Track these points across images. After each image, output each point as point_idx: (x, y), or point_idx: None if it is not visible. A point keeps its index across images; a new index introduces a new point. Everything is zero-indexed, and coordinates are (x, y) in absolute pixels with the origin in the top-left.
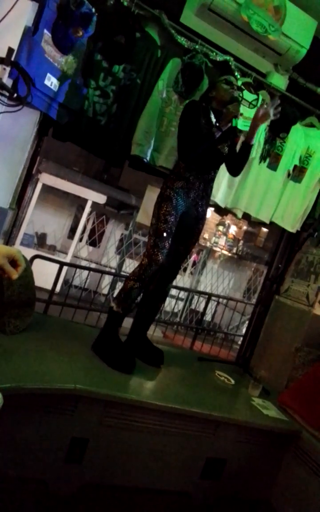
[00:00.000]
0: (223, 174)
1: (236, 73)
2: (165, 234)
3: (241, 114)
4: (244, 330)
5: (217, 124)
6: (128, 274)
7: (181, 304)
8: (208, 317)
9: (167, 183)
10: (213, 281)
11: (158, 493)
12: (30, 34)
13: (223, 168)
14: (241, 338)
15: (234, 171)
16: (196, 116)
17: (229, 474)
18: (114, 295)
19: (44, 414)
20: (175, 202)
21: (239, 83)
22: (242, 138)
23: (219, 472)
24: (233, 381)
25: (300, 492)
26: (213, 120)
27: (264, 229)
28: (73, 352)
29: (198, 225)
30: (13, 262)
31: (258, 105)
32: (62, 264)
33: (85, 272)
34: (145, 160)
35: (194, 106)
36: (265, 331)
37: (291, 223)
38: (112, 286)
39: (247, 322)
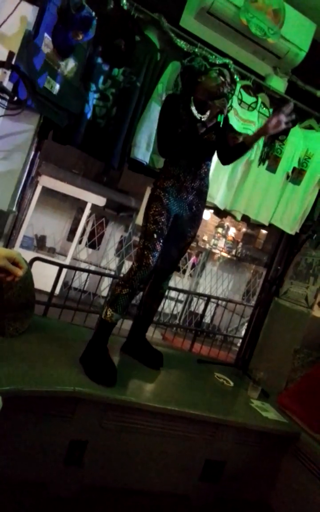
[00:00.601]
0: (222, 176)
1: (235, 76)
2: (155, 236)
3: (231, 107)
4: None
5: (202, 119)
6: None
7: (180, 306)
8: (207, 319)
9: (156, 183)
10: (212, 283)
11: (157, 496)
12: (31, 38)
13: (223, 169)
14: (240, 340)
15: (225, 161)
16: (175, 109)
17: (229, 476)
18: None
19: (44, 416)
20: (165, 201)
21: (238, 86)
22: (240, 140)
23: (219, 474)
24: (232, 383)
25: (299, 494)
26: (195, 112)
27: (263, 231)
28: (72, 354)
29: (193, 225)
30: (14, 265)
31: (258, 107)
32: (61, 266)
33: (85, 274)
34: (144, 163)
35: (173, 99)
36: (264, 333)
37: (290, 225)
38: (111, 288)
39: (246, 324)
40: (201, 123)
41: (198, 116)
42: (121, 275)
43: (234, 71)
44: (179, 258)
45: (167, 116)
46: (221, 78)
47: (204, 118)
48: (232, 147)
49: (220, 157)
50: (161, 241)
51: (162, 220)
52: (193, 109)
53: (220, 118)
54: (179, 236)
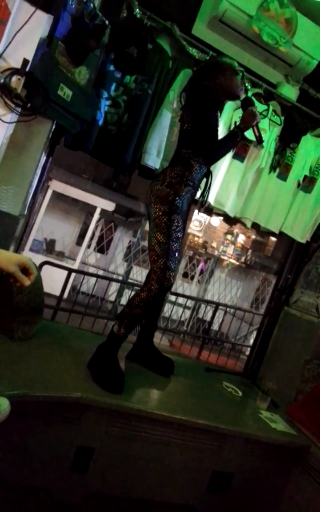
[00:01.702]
0: (233, 184)
1: (246, 84)
2: (176, 254)
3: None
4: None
5: (240, 127)
6: (137, 285)
7: (188, 313)
8: (215, 327)
9: (175, 189)
10: (220, 290)
11: (163, 506)
12: (45, 46)
13: (234, 177)
14: (249, 349)
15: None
16: (214, 109)
17: (236, 488)
18: (121, 302)
19: (50, 422)
20: (182, 213)
21: (249, 93)
22: (257, 150)
23: (226, 486)
24: (240, 393)
25: (308, 509)
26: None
27: (273, 239)
28: (80, 360)
29: (185, 220)
30: (25, 270)
31: (269, 115)
32: (70, 270)
33: (93, 279)
34: (154, 169)
35: (208, 96)
36: (273, 342)
37: (301, 234)
38: (119, 293)
39: (254, 332)
40: (239, 129)
41: (240, 126)
42: (129, 279)
43: (245, 79)
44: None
45: (210, 116)
46: (243, 81)
47: (242, 126)
48: (223, 139)
49: (206, 156)
50: (177, 255)
51: (181, 235)
52: (218, 117)
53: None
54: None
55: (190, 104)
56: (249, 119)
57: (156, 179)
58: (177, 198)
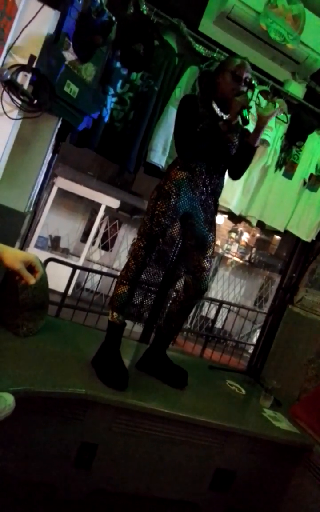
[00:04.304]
0: (238, 181)
1: (253, 81)
2: (155, 238)
3: (250, 107)
4: (254, 339)
5: (225, 117)
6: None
7: (191, 311)
8: (218, 324)
9: (168, 174)
10: (224, 288)
11: (166, 502)
12: (52, 42)
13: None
14: (252, 347)
15: (235, 174)
16: (194, 108)
17: (239, 486)
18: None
19: (55, 418)
20: (173, 201)
21: (256, 91)
22: (264, 148)
23: (229, 483)
24: (244, 391)
25: (310, 507)
26: (217, 110)
27: (277, 237)
28: (84, 356)
29: (211, 228)
30: (31, 268)
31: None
32: (75, 267)
33: (97, 276)
34: (160, 166)
35: (190, 99)
36: (277, 341)
37: (306, 232)
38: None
39: (258, 330)
40: (224, 121)
41: (220, 114)
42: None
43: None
44: (210, 267)
45: (186, 114)
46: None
47: (226, 117)
48: (238, 155)
49: (230, 172)
50: (160, 241)
51: (166, 222)
52: (215, 106)
53: (245, 113)
54: (201, 244)
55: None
56: (235, 106)
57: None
58: (167, 182)
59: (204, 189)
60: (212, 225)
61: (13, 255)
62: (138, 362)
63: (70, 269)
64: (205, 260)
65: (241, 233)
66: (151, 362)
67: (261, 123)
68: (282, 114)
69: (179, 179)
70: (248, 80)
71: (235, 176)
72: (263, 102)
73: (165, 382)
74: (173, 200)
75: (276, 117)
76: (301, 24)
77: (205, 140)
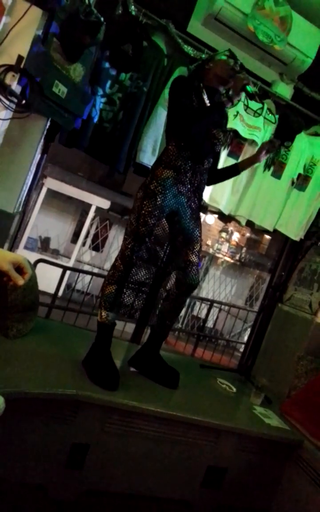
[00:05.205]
0: (227, 182)
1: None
2: (142, 238)
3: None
4: (245, 338)
5: (230, 94)
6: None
7: (183, 310)
8: (209, 324)
9: (153, 173)
10: (215, 287)
11: (158, 501)
12: (40, 42)
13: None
14: (243, 346)
15: (210, 182)
16: (188, 91)
17: (230, 483)
18: None
19: (45, 419)
20: (159, 200)
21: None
22: (252, 148)
23: (220, 480)
24: (234, 389)
25: (301, 503)
26: (207, 101)
27: (267, 236)
28: (75, 357)
29: (197, 224)
30: (19, 269)
31: (264, 113)
32: (65, 268)
33: (88, 277)
34: (149, 167)
35: (183, 81)
36: (267, 339)
37: (295, 232)
38: None
39: (248, 329)
40: (227, 97)
41: (207, 101)
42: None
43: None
44: (198, 262)
45: (183, 96)
46: (232, 60)
47: (232, 94)
48: (222, 170)
49: (208, 180)
50: (147, 240)
51: (153, 222)
52: (205, 97)
53: (250, 89)
54: (189, 239)
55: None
56: (237, 84)
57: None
58: (153, 181)
59: (189, 186)
60: (197, 220)
61: (1, 256)
62: (131, 359)
63: (60, 270)
64: (193, 255)
65: (232, 233)
66: (144, 361)
67: (256, 159)
68: (270, 115)
69: (164, 177)
70: (238, 64)
71: (209, 183)
72: (251, 103)
73: (156, 382)
74: (159, 199)
75: (265, 117)
76: (289, 26)
77: (211, 114)
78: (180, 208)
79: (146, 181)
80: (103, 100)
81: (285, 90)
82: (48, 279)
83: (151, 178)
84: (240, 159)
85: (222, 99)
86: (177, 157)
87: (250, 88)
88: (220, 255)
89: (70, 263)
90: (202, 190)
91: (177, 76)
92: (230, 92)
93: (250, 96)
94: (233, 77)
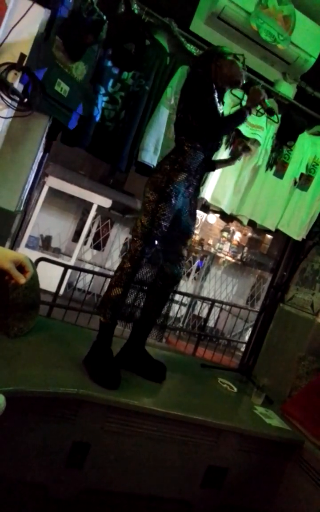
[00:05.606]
0: (229, 181)
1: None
2: (155, 241)
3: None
4: (246, 337)
5: (248, 105)
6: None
7: (184, 310)
8: (211, 323)
9: (168, 175)
10: (216, 287)
11: (158, 501)
12: (42, 40)
13: (230, 174)
14: (244, 345)
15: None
16: (211, 91)
17: (231, 483)
18: None
19: (46, 418)
20: (174, 202)
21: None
22: (253, 148)
23: (221, 480)
24: (235, 389)
25: (302, 503)
26: (219, 107)
27: (269, 236)
28: (76, 356)
29: (193, 218)
30: (21, 268)
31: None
32: (67, 267)
33: (89, 275)
34: (151, 166)
35: (205, 80)
36: (268, 339)
37: (297, 231)
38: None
39: (250, 329)
40: (246, 108)
41: (220, 108)
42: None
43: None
44: (185, 256)
45: (206, 93)
46: (243, 67)
47: (221, 109)
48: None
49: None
50: (157, 243)
51: (166, 224)
52: (216, 96)
53: (269, 103)
54: (184, 234)
55: (184, 90)
56: (255, 95)
57: (154, 169)
58: (169, 185)
59: (194, 185)
60: (194, 216)
61: (2, 255)
62: (116, 356)
63: (61, 269)
64: (185, 249)
65: (233, 232)
66: (129, 357)
67: (229, 163)
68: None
69: (179, 181)
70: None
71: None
72: None
73: (143, 377)
74: (173, 201)
75: (268, 117)
76: (292, 25)
77: (238, 121)
78: (184, 206)
79: (159, 182)
80: (105, 99)
81: (288, 90)
82: (49, 277)
83: (166, 180)
84: (242, 159)
85: (243, 109)
86: (192, 160)
87: (268, 102)
88: (221, 255)
89: (72, 262)
90: (200, 186)
91: (191, 71)
92: (244, 101)
93: (268, 111)
94: (242, 77)
